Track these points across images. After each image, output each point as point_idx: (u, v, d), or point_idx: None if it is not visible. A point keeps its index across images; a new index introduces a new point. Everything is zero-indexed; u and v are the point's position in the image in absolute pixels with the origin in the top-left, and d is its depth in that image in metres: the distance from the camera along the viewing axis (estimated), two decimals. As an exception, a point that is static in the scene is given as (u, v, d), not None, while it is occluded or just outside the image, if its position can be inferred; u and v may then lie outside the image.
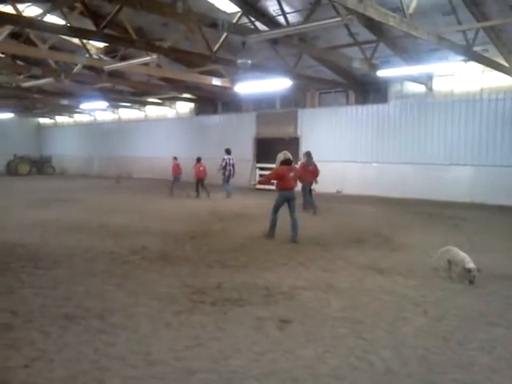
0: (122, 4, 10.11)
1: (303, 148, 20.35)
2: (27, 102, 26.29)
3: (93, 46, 17.18)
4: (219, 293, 5.62)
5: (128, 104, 27.11)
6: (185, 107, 26.60)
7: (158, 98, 24.85)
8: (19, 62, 18.93)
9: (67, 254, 7.63)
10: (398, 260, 7.53)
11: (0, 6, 12.29)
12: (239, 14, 13.00)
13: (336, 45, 14.50)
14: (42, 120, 37.19)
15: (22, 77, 18.27)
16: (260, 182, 9.78)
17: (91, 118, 32.90)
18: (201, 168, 17.22)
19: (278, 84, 15.96)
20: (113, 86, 21.10)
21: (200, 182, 17.18)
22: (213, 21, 10.36)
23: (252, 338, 4.35)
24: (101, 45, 17.26)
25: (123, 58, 15.50)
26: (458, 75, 16.17)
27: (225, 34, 12.93)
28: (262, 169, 21.62)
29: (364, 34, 13.70)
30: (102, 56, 17.63)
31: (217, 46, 13.44)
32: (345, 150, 19.27)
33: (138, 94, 23.79)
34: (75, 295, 5.49)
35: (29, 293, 5.60)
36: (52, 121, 36.44)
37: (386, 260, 7.50)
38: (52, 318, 4.78)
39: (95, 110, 30.35)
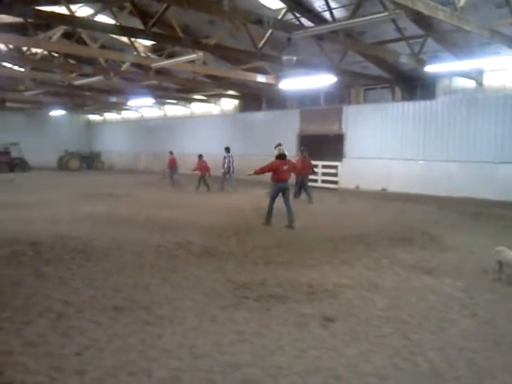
0: (170, 3, 10.28)
1: (348, 145, 20.18)
2: (78, 100, 27.20)
3: (140, 44, 17.59)
4: (263, 289, 5.67)
5: (174, 101, 27.60)
6: (229, 104, 26.81)
7: (204, 95, 25.15)
8: (71, 61, 19.62)
9: (116, 247, 7.87)
10: (446, 260, 7.36)
11: (54, 8, 12.73)
12: (284, 11, 12.98)
13: (383, 40, 14.24)
14: (92, 117, 38.37)
15: (73, 75, 18.90)
16: (255, 173, 10.49)
17: (138, 115, 33.70)
18: (203, 164, 18.47)
19: (322, 80, 15.84)
20: (159, 83, 21.52)
21: (203, 177, 18.19)
22: (258, 18, 10.41)
23: (295, 334, 4.38)
24: (148, 43, 17.65)
25: (170, 56, 15.77)
26: (510, 70, 15.57)
27: (270, 31, 12.95)
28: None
29: (412, 28, 13.39)
30: (149, 54, 18.02)
31: (262, 42, 13.47)
32: (390, 147, 18.93)
33: (183, 91, 24.17)
34: (124, 287, 5.67)
35: (80, 284, 5.82)
36: (101, 117, 37.55)
37: (432, 260, 7.35)
38: (102, 308, 4.96)
39: (142, 107, 31.05)
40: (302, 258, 7.34)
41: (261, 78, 17.37)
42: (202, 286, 5.79)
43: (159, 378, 3.58)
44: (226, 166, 17.96)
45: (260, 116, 24.79)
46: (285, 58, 13.57)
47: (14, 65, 20.45)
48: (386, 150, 19.03)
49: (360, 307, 5.14)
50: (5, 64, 20.90)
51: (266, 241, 8.67)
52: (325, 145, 21.16)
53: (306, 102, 22.38)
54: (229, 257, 7.37)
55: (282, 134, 22.64)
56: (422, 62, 13.69)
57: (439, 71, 14.64)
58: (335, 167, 20.29)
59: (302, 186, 15.13)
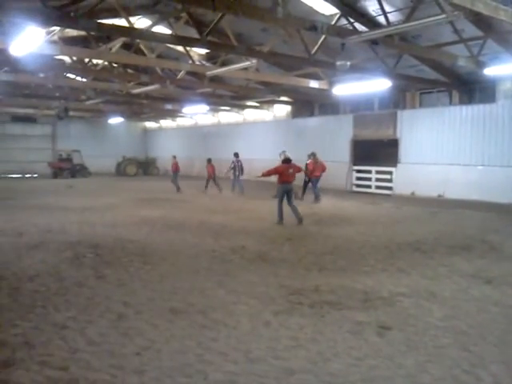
0: (225, 12, 10.47)
1: (402, 150, 19.75)
2: (135, 108, 28.08)
3: (195, 52, 17.97)
4: (317, 295, 5.65)
5: (227, 108, 27.97)
6: (282, 110, 26.88)
7: (256, 102, 25.35)
8: (130, 71, 20.31)
9: (172, 251, 8.07)
10: (507, 270, 7.05)
11: (115, 20, 13.27)
12: (338, 16, 12.90)
13: (439, 43, 13.87)
14: (148, 124, 39.50)
15: (131, 84, 19.56)
16: (263, 175, 11.76)
17: (193, 122, 34.37)
18: (210, 169, 19.64)
19: (376, 85, 15.60)
20: (213, 90, 21.88)
21: (211, 180, 19.46)
22: (312, 24, 10.41)
23: (350, 342, 4.34)
24: (203, 51, 18.01)
25: (224, 64, 16.03)
26: None
27: (323, 37, 12.91)
28: (359, 171, 21.27)
29: (470, 30, 12.96)
30: (203, 62, 18.39)
31: (315, 48, 13.44)
32: (447, 152, 18.34)
33: (236, 97, 24.46)
34: (180, 290, 5.81)
35: (138, 286, 6.01)
36: (157, 124, 38.59)
37: (493, 269, 7.07)
38: (159, 310, 5.10)
39: (196, 114, 31.64)
40: (356, 265, 7.25)
41: (313, 84, 17.33)
42: (255, 291, 5.84)
43: (215, 381, 3.65)
44: (230, 169, 19.30)
45: (312, 122, 24.69)
46: (338, 63, 13.47)
47: (77, 75, 21.43)
48: (442, 155, 18.46)
49: (417, 316, 5.03)
50: (69, 75, 21.96)
51: (319, 247, 8.63)
52: (379, 150, 20.80)
53: (359, 107, 22.09)
54: (282, 262, 7.40)
55: (334, 139, 22.48)
56: (482, 65, 13.23)
57: (500, 73, 14.07)
58: (389, 173, 19.90)
59: (306, 186, 16.68)
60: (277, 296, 5.63)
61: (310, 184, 16.67)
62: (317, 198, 15.99)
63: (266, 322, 4.81)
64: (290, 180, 11.46)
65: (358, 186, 21.16)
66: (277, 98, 24.05)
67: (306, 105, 24.74)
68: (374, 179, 20.35)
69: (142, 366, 3.85)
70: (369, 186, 20.33)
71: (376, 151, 20.71)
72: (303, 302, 5.38)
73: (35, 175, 31.00)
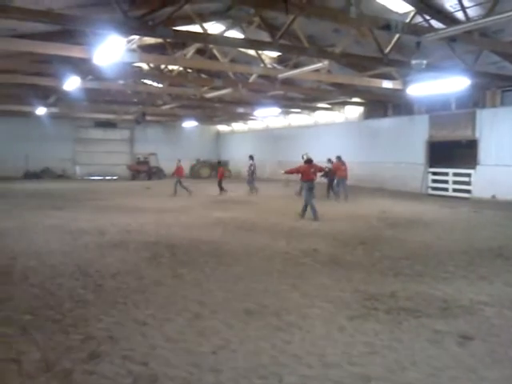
0: (298, 14, 10.47)
1: (482, 152, 18.79)
2: (208, 111, 28.75)
3: (267, 56, 18.11)
4: (393, 301, 5.51)
5: (298, 110, 27.94)
6: (353, 111, 26.48)
7: (328, 103, 25.12)
8: (203, 76, 20.84)
9: (245, 252, 8.19)
10: None
11: (189, 27, 13.66)
12: (413, 13, 12.51)
13: (524, 37, 13.08)
14: (221, 127, 40.30)
15: (205, 89, 20.03)
16: (286, 172, 13.41)
17: (264, 125, 34.65)
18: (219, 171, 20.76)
19: (454, 84, 14.96)
20: (285, 93, 21.95)
21: (220, 181, 20.19)
22: (386, 22, 10.16)
23: (429, 351, 4.19)
24: (274, 54, 18.12)
25: (295, 66, 16.03)
26: None
27: (397, 35, 12.57)
28: (435, 173, 20.49)
29: (560, 22, 12.13)
30: (275, 65, 18.48)
31: (389, 47, 13.11)
32: (533, 152, 17.26)
33: (307, 99, 24.37)
34: (254, 292, 5.88)
35: (213, 286, 6.15)
36: (229, 128, 39.28)
37: None
38: (234, 311, 5.19)
39: (267, 117, 31.86)
40: (434, 271, 6.99)
41: (387, 84, 16.90)
42: (329, 294, 5.79)
43: (290, 384, 3.65)
44: (251, 171, 20.45)
45: (386, 123, 24.10)
46: (414, 62, 13.04)
47: (154, 81, 22.29)
48: (527, 156, 17.39)
49: (501, 327, 4.77)
50: (146, 81, 22.89)
51: (395, 251, 8.41)
52: (456, 151, 19.95)
53: (435, 107, 21.26)
54: (356, 266, 7.28)
55: (409, 140, 21.81)
56: None
57: None
58: (468, 175, 19.01)
59: (330, 185, 18.10)
60: (351, 300, 5.55)
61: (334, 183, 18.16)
62: (336, 196, 17.57)
63: (341, 326, 4.76)
64: (312, 178, 12.66)
65: (434, 188, 20.38)
66: (348, 100, 23.70)
67: (379, 105, 24.20)
68: (451, 182, 19.53)
69: (218, 366, 3.93)
70: (445, 189, 19.52)
71: (453, 153, 19.88)
72: (379, 308, 5.27)
73: (115, 177, 32.56)
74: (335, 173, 17.85)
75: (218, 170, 21.19)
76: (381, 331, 4.62)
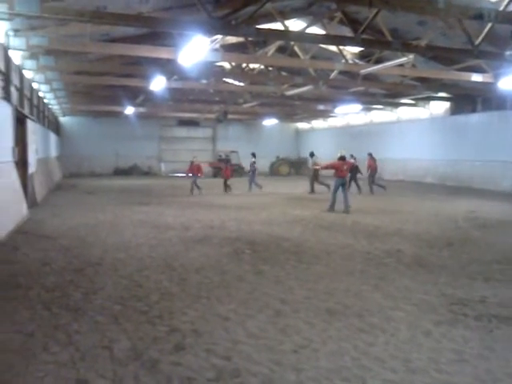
0: (382, 7, 10.19)
1: None
2: (288, 109, 28.81)
3: (348, 51, 17.81)
4: (483, 307, 5.21)
5: (380, 106, 27.24)
6: (439, 107, 25.37)
7: (411, 99, 24.27)
8: (284, 73, 20.90)
9: (325, 251, 8.12)
10: None
11: (271, 25, 13.76)
12: (507, 1, 11.73)
13: None
14: (300, 124, 40.24)
15: (285, 86, 20.11)
16: (321, 167, 14.85)
17: (344, 121, 34.15)
18: (227, 170, 20.45)
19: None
20: (366, 89, 21.47)
21: (226, 181, 20.06)
22: (477, 11, 9.63)
23: (525, 362, 3.92)
24: (356, 50, 17.77)
25: (378, 61, 15.63)
26: None
27: (489, 25, 11.85)
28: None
29: None
30: (357, 61, 18.13)
31: (480, 38, 12.39)
32: None
33: (390, 95, 23.68)
34: (335, 291, 5.81)
35: (294, 284, 6.15)
36: (309, 125, 39.11)
37: None
38: (315, 310, 5.15)
39: (348, 114, 31.36)
40: (530, 277, 6.54)
41: (476, 78, 16.01)
42: (413, 297, 5.59)
43: (373, 388, 3.57)
44: (253, 169, 20.78)
45: (474, 118, 22.85)
46: (508, 53, 12.26)
47: (235, 80, 22.69)
48: None
49: None
50: (227, 80, 23.36)
51: (484, 254, 7.96)
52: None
53: (530, 101, 19.89)
54: (442, 269, 6.97)
55: (500, 137, 20.54)
56: None
57: None
58: None
59: (353, 178, 19.01)
60: (437, 305, 5.32)
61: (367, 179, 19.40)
62: (359, 190, 18.93)
63: (427, 331, 4.58)
64: (344, 175, 13.46)
65: (529, 188, 19.09)
66: (434, 95, 22.73)
67: (467, 100, 22.99)
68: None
69: (300, 364, 3.91)
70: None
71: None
72: (468, 314, 5.01)
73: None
74: (368, 167, 19.58)
75: (224, 169, 20.85)
76: (470, 338, 4.38)
